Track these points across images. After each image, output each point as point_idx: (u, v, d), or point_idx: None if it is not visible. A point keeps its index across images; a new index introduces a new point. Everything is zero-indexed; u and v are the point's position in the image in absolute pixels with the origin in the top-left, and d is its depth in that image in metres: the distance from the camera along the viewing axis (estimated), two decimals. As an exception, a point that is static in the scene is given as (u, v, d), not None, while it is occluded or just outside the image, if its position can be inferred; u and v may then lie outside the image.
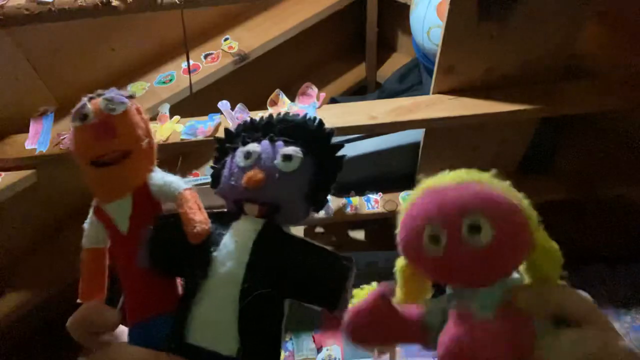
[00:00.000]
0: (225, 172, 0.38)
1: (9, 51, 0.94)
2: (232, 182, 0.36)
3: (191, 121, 0.95)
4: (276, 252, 0.34)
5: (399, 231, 0.29)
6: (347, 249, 1.33)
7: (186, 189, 0.36)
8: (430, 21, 1.10)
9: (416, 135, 1.14)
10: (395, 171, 1.22)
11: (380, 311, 0.29)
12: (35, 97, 1.02)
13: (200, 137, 0.92)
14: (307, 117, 0.38)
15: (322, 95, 0.97)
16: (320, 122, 0.38)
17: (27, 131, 0.96)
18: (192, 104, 1.11)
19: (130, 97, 0.38)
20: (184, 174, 1.12)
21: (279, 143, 0.36)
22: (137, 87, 1.16)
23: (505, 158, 1.14)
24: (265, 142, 0.37)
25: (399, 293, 0.32)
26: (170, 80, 1.17)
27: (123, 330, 0.35)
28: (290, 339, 1.17)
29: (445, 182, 0.28)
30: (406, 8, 1.24)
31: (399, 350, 1.13)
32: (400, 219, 0.29)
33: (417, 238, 0.27)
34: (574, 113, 0.94)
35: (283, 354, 1.14)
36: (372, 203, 1.17)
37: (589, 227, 1.26)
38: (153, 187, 0.37)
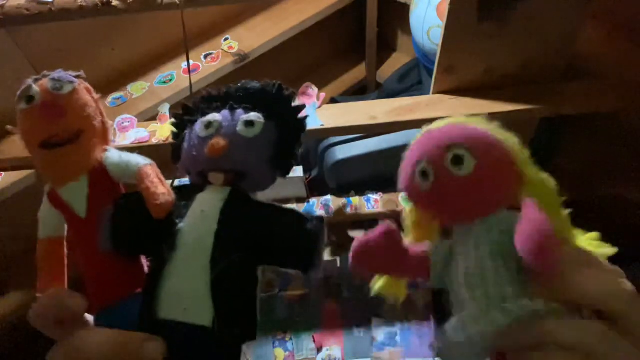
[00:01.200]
0: (185, 145, 0.37)
1: (9, 51, 0.94)
2: (194, 154, 0.35)
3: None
4: (245, 218, 0.33)
5: (400, 175, 0.32)
6: (347, 249, 1.33)
7: (146, 164, 0.35)
8: (430, 21, 1.10)
9: (416, 135, 1.14)
10: (395, 171, 1.22)
11: (387, 242, 0.31)
12: (35, 97, 1.01)
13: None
14: (266, 83, 0.38)
15: (322, 95, 0.97)
16: (280, 86, 0.37)
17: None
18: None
19: (79, 76, 0.37)
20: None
21: (239, 111, 0.36)
22: (137, 87, 1.16)
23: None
24: (225, 111, 0.36)
25: (405, 239, 0.33)
26: (170, 80, 1.17)
27: (88, 319, 0.33)
28: (290, 339, 1.17)
29: (437, 125, 0.31)
30: (406, 8, 1.24)
31: (399, 350, 1.13)
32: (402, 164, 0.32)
33: (412, 176, 0.30)
34: (574, 113, 0.94)
35: (283, 354, 1.14)
36: (372, 203, 1.17)
37: (588, 227, 1.25)
38: (110, 166, 0.36)
